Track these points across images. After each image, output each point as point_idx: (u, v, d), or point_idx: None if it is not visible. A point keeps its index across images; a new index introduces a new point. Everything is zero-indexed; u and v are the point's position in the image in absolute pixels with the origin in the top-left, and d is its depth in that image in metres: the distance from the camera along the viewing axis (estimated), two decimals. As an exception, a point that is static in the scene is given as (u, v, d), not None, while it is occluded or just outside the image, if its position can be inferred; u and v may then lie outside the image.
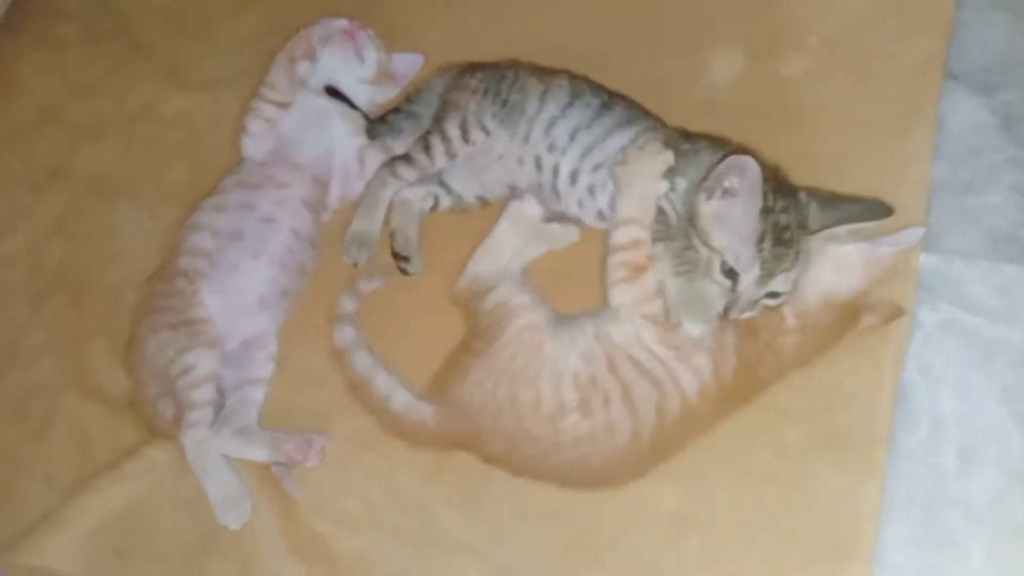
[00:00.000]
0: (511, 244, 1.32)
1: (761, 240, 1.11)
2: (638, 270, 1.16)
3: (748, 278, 1.13)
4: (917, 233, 1.17)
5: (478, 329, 1.24)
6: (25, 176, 1.62)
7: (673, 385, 1.15)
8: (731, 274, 1.13)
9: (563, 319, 1.24)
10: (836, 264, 1.16)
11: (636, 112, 1.32)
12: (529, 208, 1.33)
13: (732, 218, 1.12)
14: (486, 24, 1.58)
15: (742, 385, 1.16)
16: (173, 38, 1.72)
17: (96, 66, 1.71)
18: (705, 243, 1.14)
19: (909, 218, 1.28)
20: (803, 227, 1.15)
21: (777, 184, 1.16)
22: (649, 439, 1.15)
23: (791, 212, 1.14)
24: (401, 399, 1.25)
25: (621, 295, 1.17)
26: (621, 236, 1.18)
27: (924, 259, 1.27)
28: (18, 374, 1.45)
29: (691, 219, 1.17)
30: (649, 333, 1.16)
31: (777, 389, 1.18)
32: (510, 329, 1.20)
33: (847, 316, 1.18)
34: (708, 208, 1.14)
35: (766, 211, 1.12)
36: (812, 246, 1.15)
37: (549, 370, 1.17)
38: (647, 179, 1.19)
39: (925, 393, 1.20)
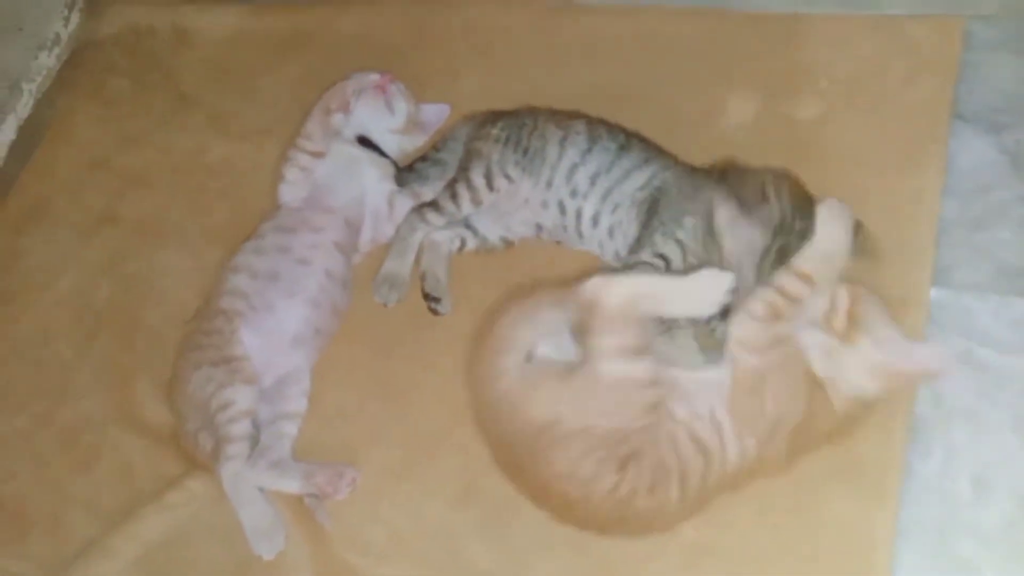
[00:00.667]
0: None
1: (765, 254, 1.21)
2: (775, 317, 1.13)
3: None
4: (943, 356, 1.16)
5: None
6: (77, 222, 1.72)
7: (720, 451, 1.14)
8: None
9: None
10: (869, 368, 1.13)
11: (651, 151, 1.39)
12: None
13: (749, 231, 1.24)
14: (509, 72, 1.66)
15: (782, 461, 1.17)
16: (216, 90, 1.82)
17: (144, 117, 1.82)
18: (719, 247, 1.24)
19: (921, 253, 1.33)
20: None
21: (803, 208, 1.23)
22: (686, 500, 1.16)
23: (802, 239, 1.20)
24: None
25: (746, 328, 1.14)
26: (787, 282, 1.14)
27: (935, 293, 1.30)
28: (67, 408, 1.53)
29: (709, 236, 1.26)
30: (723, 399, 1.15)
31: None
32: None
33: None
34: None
35: (782, 229, 1.21)
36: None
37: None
38: (838, 253, 1.16)
39: (938, 423, 1.22)
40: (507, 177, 1.41)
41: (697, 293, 1.17)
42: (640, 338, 1.14)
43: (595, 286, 1.14)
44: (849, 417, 1.15)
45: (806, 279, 1.14)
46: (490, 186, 1.42)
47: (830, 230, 1.15)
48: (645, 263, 1.28)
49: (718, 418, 1.15)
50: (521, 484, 1.22)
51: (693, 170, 1.36)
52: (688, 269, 1.27)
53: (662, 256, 1.28)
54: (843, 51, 1.52)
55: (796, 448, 1.16)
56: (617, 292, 1.14)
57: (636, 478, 1.13)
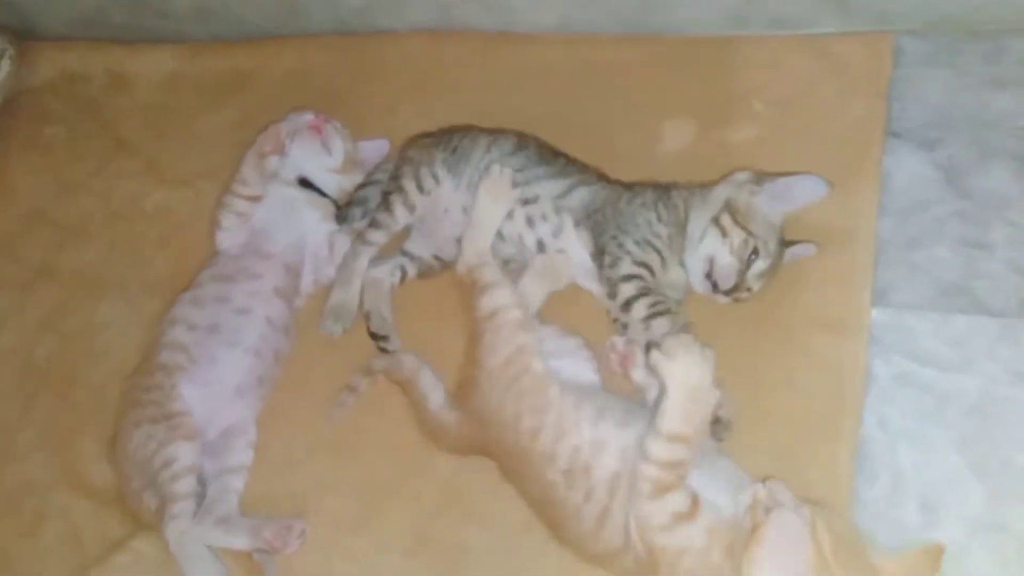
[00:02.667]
0: (493, 210, 1.37)
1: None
2: (664, 490, 1.04)
3: (761, 263, 1.28)
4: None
5: (477, 332, 1.26)
6: (14, 276, 1.69)
7: (633, 565, 1.08)
8: (754, 254, 1.27)
9: (599, 393, 1.23)
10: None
11: (573, 169, 1.42)
12: (497, 172, 1.37)
13: (773, 215, 1.30)
14: (447, 104, 1.65)
15: None
16: (153, 135, 1.80)
17: (81, 165, 1.79)
18: (744, 227, 1.28)
19: (860, 275, 1.33)
20: None
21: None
22: (596, 556, 1.14)
23: None
24: (436, 401, 1.31)
25: (641, 507, 1.05)
26: (662, 452, 1.03)
27: (876, 314, 1.31)
28: (10, 472, 1.49)
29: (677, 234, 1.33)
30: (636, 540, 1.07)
31: (740, 453, 1.18)
32: (508, 346, 1.22)
33: None
34: (762, 203, 1.30)
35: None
36: None
37: (556, 416, 1.17)
38: (701, 391, 1.04)
39: (883, 447, 1.23)
40: (435, 177, 1.44)
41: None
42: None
43: None
44: None
45: (679, 439, 1.03)
46: (420, 187, 1.44)
47: (679, 377, 1.03)
48: (632, 276, 1.30)
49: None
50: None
51: (629, 185, 1.40)
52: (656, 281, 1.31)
53: (643, 264, 1.31)
54: (775, 73, 1.52)
55: None
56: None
57: (558, 449, 1.15)
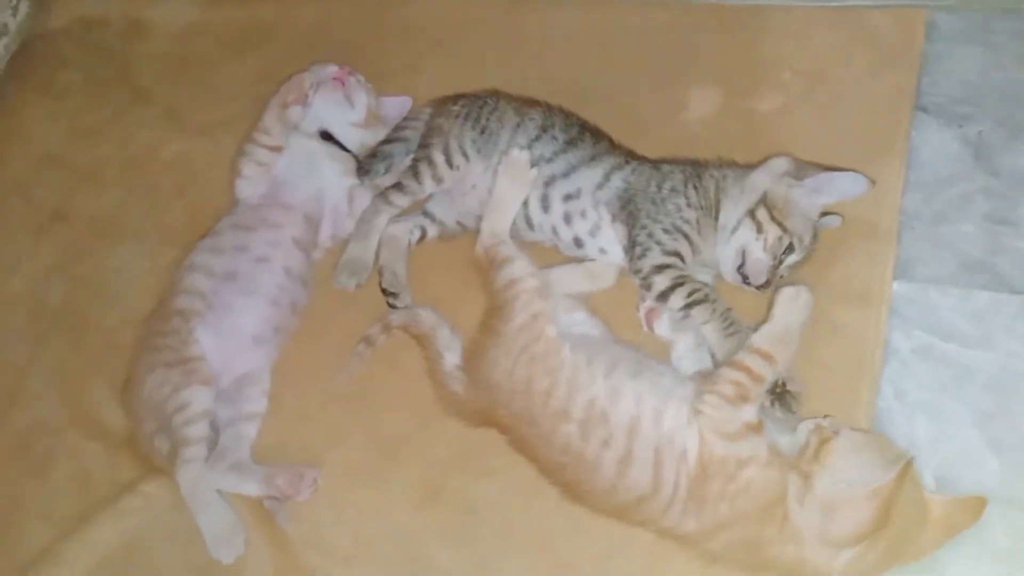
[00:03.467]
0: (512, 194, 1.35)
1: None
2: (743, 399, 1.12)
3: (795, 257, 1.28)
4: (897, 465, 1.03)
5: (494, 304, 1.27)
6: (28, 219, 1.67)
7: (666, 500, 1.12)
8: (787, 251, 1.27)
9: (610, 346, 1.25)
10: (822, 506, 1.07)
11: (602, 149, 1.38)
12: (516, 155, 1.36)
13: (811, 209, 1.29)
14: (469, 65, 1.64)
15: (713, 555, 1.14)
16: (172, 84, 1.78)
17: (97, 112, 1.77)
18: (780, 223, 1.27)
19: (883, 248, 1.33)
20: None
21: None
22: (618, 507, 1.16)
23: None
24: (450, 362, 1.31)
25: (713, 409, 1.12)
26: (750, 360, 1.13)
27: (897, 287, 1.30)
28: (20, 413, 1.49)
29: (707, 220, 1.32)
30: (696, 451, 1.12)
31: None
32: (524, 313, 1.23)
33: None
34: (800, 197, 1.29)
35: None
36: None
37: (570, 373, 1.18)
38: (793, 329, 1.15)
39: (901, 418, 1.23)
40: (464, 155, 1.41)
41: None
42: None
43: None
44: (794, 571, 1.10)
45: (767, 358, 1.13)
46: (449, 163, 1.42)
47: (787, 313, 1.15)
48: (664, 266, 1.28)
49: (680, 472, 1.12)
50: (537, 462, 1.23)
51: (652, 163, 1.37)
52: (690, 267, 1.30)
53: (674, 253, 1.29)
54: (805, 43, 1.51)
55: (732, 557, 1.12)
56: None
57: (572, 403, 1.17)
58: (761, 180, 1.31)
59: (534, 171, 1.35)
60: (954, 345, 1.26)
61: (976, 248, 1.31)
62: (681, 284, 1.27)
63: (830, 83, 1.47)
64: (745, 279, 1.29)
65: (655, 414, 1.15)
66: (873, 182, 1.29)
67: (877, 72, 1.46)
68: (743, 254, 1.29)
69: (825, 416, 1.13)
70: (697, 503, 1.11)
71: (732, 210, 1.31)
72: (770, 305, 1.17)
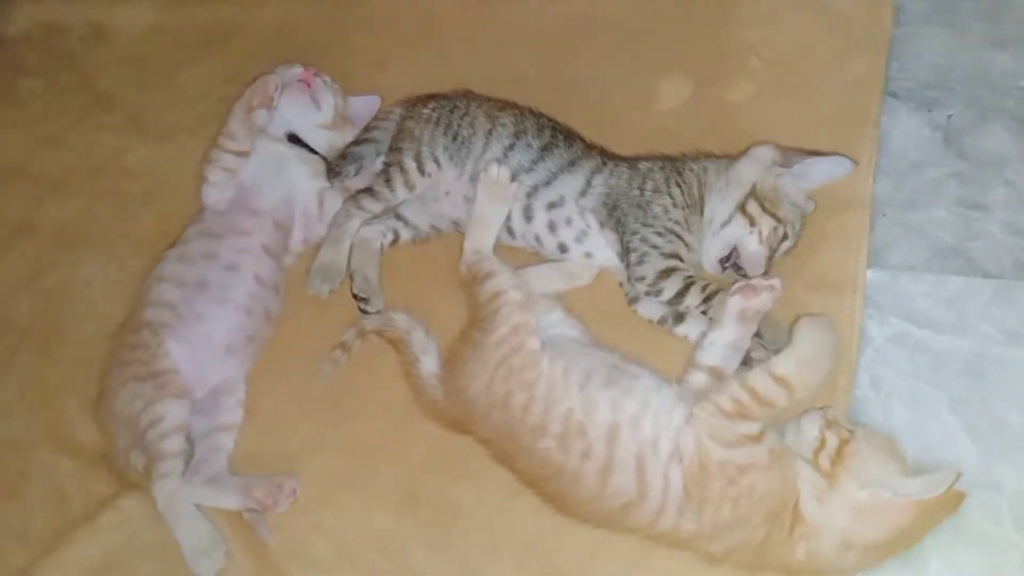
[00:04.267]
0: (493, 212, 1.33)
1: None
2: (742, 416, 1.08)
3: (787, 244, 1.28)
4: (947, 479, 1.03)
5: (476, 317, 1.26)
6: (-7, 232, 1.64)
7: (656, 505, 1.11)
8: (782, 240, 1.27)
9: (586, 352, 1.23)
10: (852, 510, 1.06)
11: (578, 151, 1.37)
12: (494, 172, 1.34)
13: (798, 196, 1.29)
14: (438, 61, 1.62)
15: (716, 557, 1.13)
16: (135, 89, 1.75)
17: (60, 119, 1.74)
18: (773, 214, 1.27)
19: (856, 236, 1.32)
20: None
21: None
22: (605, 515, 1.15)
23: None
24: (426, 366, 1.29)
25: (709, 416, 1.09)
26: (760, 383, 1.07)
27: (871, 275, 1.30)
28: (-8, 431, 1.46)
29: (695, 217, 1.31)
30: (693, 450, 1.10)
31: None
32: (504, 326, 1.21)
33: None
34: (788, 185, 1.29)
35: None
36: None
37: (545, 388, 1.17)
38: (819, 362, 1.09)
39: (877, 407, 1.23)
40: (436, 162, 1.40)
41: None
42: None
43: None
44: (803, 569, 1.09)
45: (782, 383, 1.07)
46: (421, 170, 1.40)
47: (811, 340, 1.09)
48: (670, 270, 1.26)
49: (670, 474, 1.11)
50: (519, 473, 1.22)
51: (630, 163, 1.36)
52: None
53: (674, 255, 1.28)
54: (773, 29, 1.51)
55: (736, 560, 1.11)
56: None
57: (549, 417, 1.15)
58: (748, 171, 1.30)
59: (514, 185, 1.34)
60: (929, 331, 1.26)
61: (948, 233, 1.32)
62: (692, 283, 1.26)
63: (799, 70, 1.46)
64: (736, 269, 1.28)
65: (633, 420, 1.13)
66: (856, 162, 1.28)
67: (846, 57, 1.45)
68: (733, 248, 1.28)
69: (823, 407, 1.12)
70: (696, 503, 1.10)
71: (719, 204, 1.30)
72: (790, 332, 1.12)
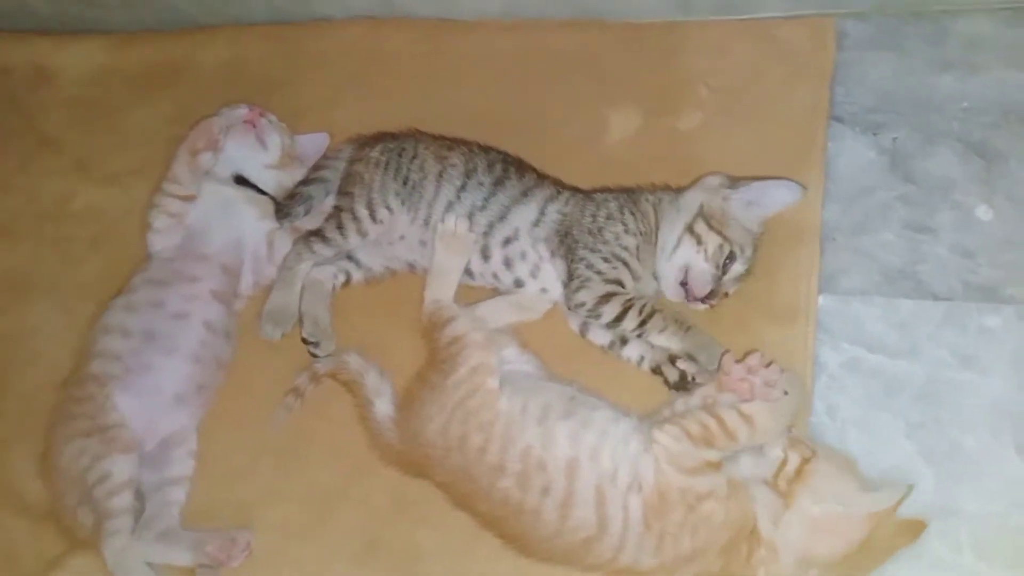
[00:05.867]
0: (453, 264, 1.32)
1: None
2: (707, 442, 1.10)
3: (738, 267, 1.27)
4: (899, 491, 1.06)
5: (435, 360, 1.25)
6: (-63, 281, 1.60)
7: (617, 539, 1.10)
8: (729, 259, 1.26)
9: (544, 386, 1.22)
10: (807, 526, 1.07)
11: (530, 182, 1.36)
12: (451, 224, 1.33)
13: (749, 220, 1.29)
14: (388, 97, 1.60)
15: None
16: (80, 131, 1.72)
17: (4, 163, 1.71)
18: (719, 232, 1.27)
19: (807, 262, 1.33)
20: None
21: None
22: (566, 552, 1.14)
23: None
24: (381, 409, 1.28)
25: (673, 441, 1.10)
26: (728, 416, 1.10)
27: (823, 301, 1.30)
28: (-62, 488, 1.42)
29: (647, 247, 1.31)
30: (652, 481, 1.11)
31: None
32: (463, 367, 1.20)
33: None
34: (736, 209, 1.29)
35: None
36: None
37: (503, 428, 1.16)
38: (783, 412, 1.13)
39: (833, 434, 1.23)
40: (388, 208, 1.38)
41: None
42: None
43: None
44: None
45: (747, 420, 1.10)
46: (373, 218, 1.38)
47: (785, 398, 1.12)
48: (609, 295, 1.26)
49: (630, 505, 1.10)
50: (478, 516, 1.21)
51: (585, 193, 1.36)
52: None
53: (615, 281, 1.28)
54: (720, 58, 1.51)
55: None
56: None
57: (507, 455, 1.14)
58: (695, 196, 1.31)
59: (472, 236, 1.33)
60: (881, 356, 1.26)
61: (897, 257, 1.32)
62: (630, 307, 1.26)
63: (746, 98, 1.47)
64: (688, 292, 1.28)
65: (592, 452, 1.13)
66: (805, 188, 1.29)
67: (791, 84, 1.46)
68: (685, 269, 1.28)
69: (790, 428, 1.14)
70: (656, 536, 1.09)
71: (670, 231, 1.30)
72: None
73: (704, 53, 1.51)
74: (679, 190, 1.35)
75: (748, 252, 1.28)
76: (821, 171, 1.37)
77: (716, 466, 1.10)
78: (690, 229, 1.28)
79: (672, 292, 1.30)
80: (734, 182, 1.31)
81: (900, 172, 1.38)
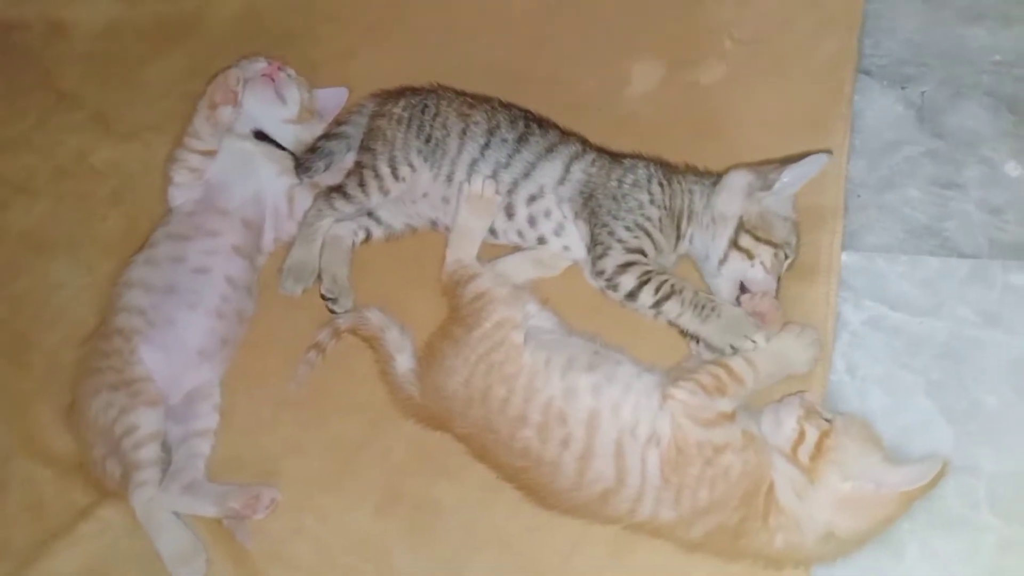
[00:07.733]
0: (476, 225, 1.32)
1: None
2: (720, 391, 1.13)
3: (791, 259, 1.25)
4: (933, 467, 1.05)
5: (459, 316, 1.25)
6: (-43, 238, 1.61)
7: (635, 492, 1.12)
8: (786, 259, 1.24)
9: (567, 341, 1.23)
10: (836, 502, 1.07)
11: (554, 138, 1.34)
12: (478, 186, 1.32)
13: (785, 209, 1.25)
14: (407, 51, 1.58)
15: (692, 544, 1.15)
16: (98, 86, 1.71)
17: (22, 120, 1.70)
18: (768, 241, 1.23)
19: (830, 218, 1.31)
20: None
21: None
22: (584, 504, 1.15)
23: None
24: (402, 364, 1.29)
25: (688, 395, 1.13)
26: (736, 363, 1.15)
27: (846, 257, 1.29)
28: (-34, 442, 1.45)
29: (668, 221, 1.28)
30: (669, 435, 1.12)
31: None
32: (487, 322, 1.21)
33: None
34: (774, 205, 1.24)
35: None
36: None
37: (526, 379, 1.17)
38: (787, 360, 1.18)
39: (853, 392, 1.23)
40: (411, 165, 1.37)
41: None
42: None
43: None
44: (782, 559, 1.11)
45: (751, 364, 1.15)
46: (395, 175, 1.37)
47: (792, 346, 1.17)
48: (628, 264, 1.24)
49: (648, 458, 1.12)
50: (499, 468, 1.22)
51: (612, 156, 1.33)
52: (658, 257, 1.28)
53: (637, 250, 1.26)
54: (745, 8, 1.48)
55: (711, 546, 1.12)
56: None
57: (530, 407, 1.16)
58: (729, 205, 1.26)
59: (499, 198, 1.32)
60: (904, 314, 1.25)
61: (923, 213, 1.31)
62: (647, 280, 1.23)
63: (771, 50, 1.44)
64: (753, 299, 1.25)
65: (613, 405, 1.14)
66: (831, 153, 1.26)
67: (818, 35, 1.43)
68: (740, 283, 1.24)
69: (800, 392, 1.14)
70: (674, 489, 1.11)
71: (710, 241, 1.27)
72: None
73: (728, 3, 1.48)
74: (710, 179, 1.30)
75: (794, 241, 1.25)
76: (847, 126, 1.35)
77: (731, 417, 1.12)
78: (736, 245, 1.24)
79: (733, 301, 1.26)
80: (760, 174, 1.25)
81: (928, 127, 1.36)
